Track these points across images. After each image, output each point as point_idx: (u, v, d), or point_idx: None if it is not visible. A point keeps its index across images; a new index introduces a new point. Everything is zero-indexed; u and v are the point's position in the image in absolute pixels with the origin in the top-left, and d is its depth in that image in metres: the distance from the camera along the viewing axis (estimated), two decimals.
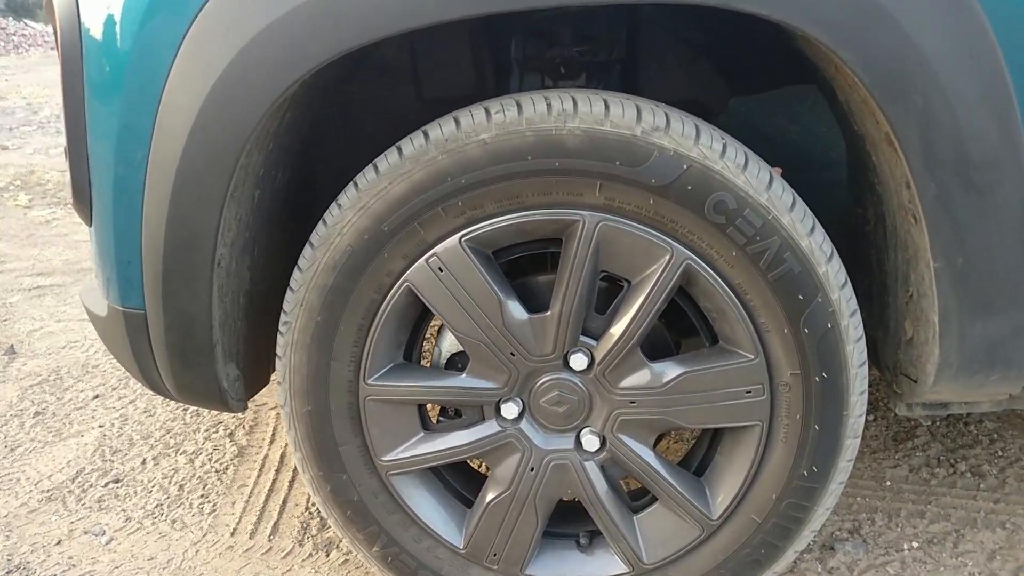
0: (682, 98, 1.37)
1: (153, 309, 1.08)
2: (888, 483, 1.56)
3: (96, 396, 2.02)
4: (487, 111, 1.00)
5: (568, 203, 1.00)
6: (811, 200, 1.03)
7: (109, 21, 0.99)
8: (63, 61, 1.05)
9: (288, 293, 1.09)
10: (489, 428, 1.13)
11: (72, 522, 1.52)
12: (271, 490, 1.59)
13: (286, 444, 1.72)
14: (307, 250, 1.07)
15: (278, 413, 1.82)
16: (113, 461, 1.73)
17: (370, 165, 1.04)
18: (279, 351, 1.12)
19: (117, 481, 1.64)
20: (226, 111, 0.97)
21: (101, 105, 1.03)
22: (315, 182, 1.34)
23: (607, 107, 0.98)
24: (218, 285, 1.06)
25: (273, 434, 1.80)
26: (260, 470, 1.67)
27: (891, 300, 1.10)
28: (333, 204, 1.06)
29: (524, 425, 1.12)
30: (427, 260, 1.04)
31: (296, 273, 1.09)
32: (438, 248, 1.04)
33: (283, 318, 1.10)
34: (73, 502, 1.58)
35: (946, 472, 1.59)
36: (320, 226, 1.06)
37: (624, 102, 0.99)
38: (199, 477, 1.64)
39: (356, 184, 1.04)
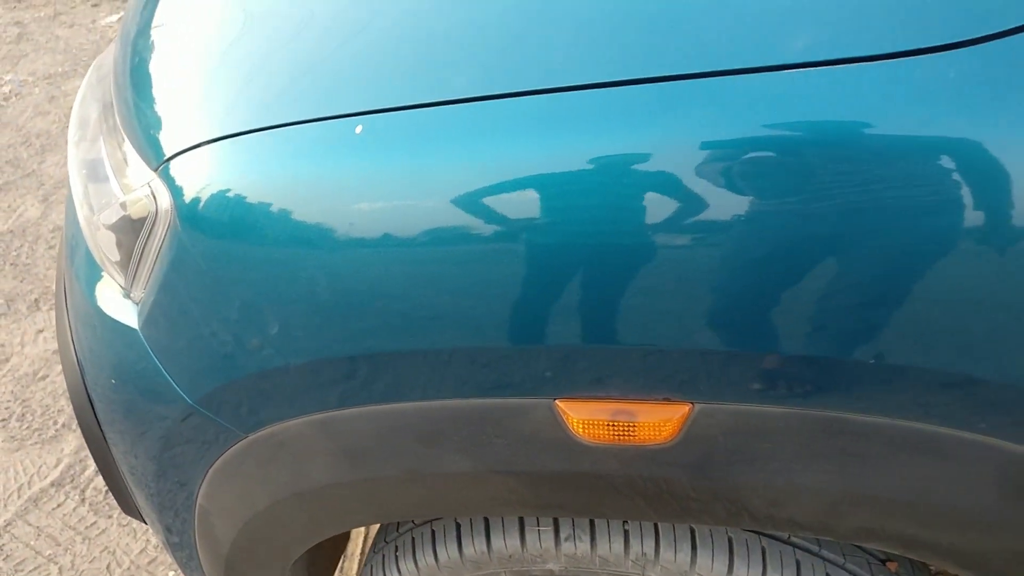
0: None
1: None
2: None
3: None
4: (556, 536, 0.87)
5: None
6: None
7: None
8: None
9: None
10: None
11: None
12: None
13: None
14: None
15: None
16: None
17: (426, 547, 0.94)
18: None
19: None
20: None
21: None
22: None
23: (694, 553, 0.84)
24: None
25: None
26: None
27: None
28: (384, 570, 0.99)
29: None
30: None
31: None
32: None
33: None
34: None
35: None
36: None
37: (716, 545, 0.84)
38: None
39: (415, 561, 0.96)
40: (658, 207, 0.57)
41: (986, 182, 0.53)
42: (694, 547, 0.84)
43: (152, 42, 0.84)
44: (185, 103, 0.75)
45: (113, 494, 0.98)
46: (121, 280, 0.81)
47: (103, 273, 0.86)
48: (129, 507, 1.00)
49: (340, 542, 1.20)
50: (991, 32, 0.53)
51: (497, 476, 0.74)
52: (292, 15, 0.75)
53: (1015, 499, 0.67)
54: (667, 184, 0.57)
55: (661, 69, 0.58)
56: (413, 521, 0.97)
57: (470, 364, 0.68)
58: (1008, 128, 0.53)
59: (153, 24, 0.86)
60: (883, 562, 0.91)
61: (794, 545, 0.86)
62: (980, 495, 0.67)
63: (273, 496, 0.82)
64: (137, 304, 0.79)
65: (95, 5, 3.80)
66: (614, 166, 0.57)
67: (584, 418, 0.68)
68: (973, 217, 0.54)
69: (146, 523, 1.03)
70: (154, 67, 0.81)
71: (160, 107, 0.78)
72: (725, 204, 0.57)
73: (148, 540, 1.66)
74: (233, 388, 0.75)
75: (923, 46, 0.54)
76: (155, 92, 0.79)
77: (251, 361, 0.73)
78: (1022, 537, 0.70)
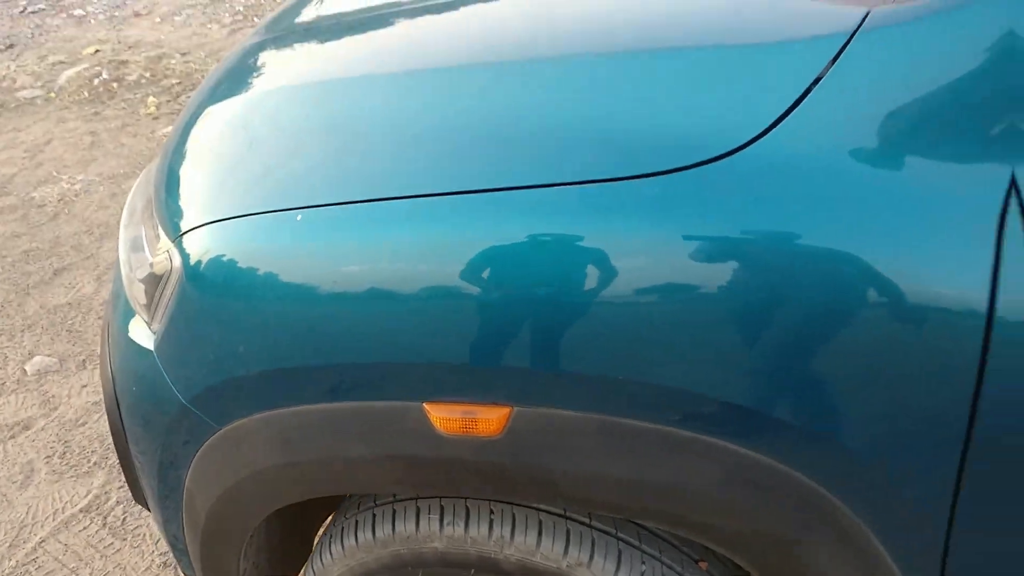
0: None
1: None
2: None
3: None
4: (441, 520, 1.17)
5: None
6: None
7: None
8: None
9: None
10: None
11: None
12: None
13: None
14: None
15: None
16: None
17: (351, 532, 1.25)
18: None
19: None
20: None
21: None
22: None
23: (539, 538, 1.13)
24: None
25: None
26: None
27: None
28: (323, 554, 1.29)
29: None
30: None
31: None
32: None
33: None
34: None
35: None
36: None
37: (556, 532, 1.13)
38: None
39: (343, 545, 1.26)
40: (474, 276, 0.91)
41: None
42: (539, 533, 1.13)
43: (181, 156, 1.22)
44: (196, 200, 1.12)
45: (128, 483, 1.32)
46: (146, 317, 1.16)
47: (135, 314, 1.22)
48: (139, 497, 1.34)
49: (309, 527, 1.49)
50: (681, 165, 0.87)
51: (389, 460, 1.06)
52: (280, 146, 1.12)
53: (742, 488, 0.94)
54: (474, 259, 0.91)
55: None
56: (345, 515, 1.28)
57: (365, 376, 1.00)
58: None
59: (184, 143, 1.25)
60: (696, 561, 1.18)
61: (619, 538, 1.15)
62: (717, 484, 0.95)
63: (235, 476, 1.15)
64: (155, 334, 1.14)
65: (155, 118, 4.36)
66: (453, 245, 0.91)
67: (442, 416, 1.00)
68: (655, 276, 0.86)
69: (149, 509, 1.36)
70: (179, 174, 1.19)
71: (180, 201, 1.15)
72: (536, 274, 0.89)
73: (153, 560, 1.97)
74: (212, 391, 1.09)
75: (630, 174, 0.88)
76: (178, 191, 1.17)
77: (222, 371, 1.07)
78: (756, 520, 0.97)
